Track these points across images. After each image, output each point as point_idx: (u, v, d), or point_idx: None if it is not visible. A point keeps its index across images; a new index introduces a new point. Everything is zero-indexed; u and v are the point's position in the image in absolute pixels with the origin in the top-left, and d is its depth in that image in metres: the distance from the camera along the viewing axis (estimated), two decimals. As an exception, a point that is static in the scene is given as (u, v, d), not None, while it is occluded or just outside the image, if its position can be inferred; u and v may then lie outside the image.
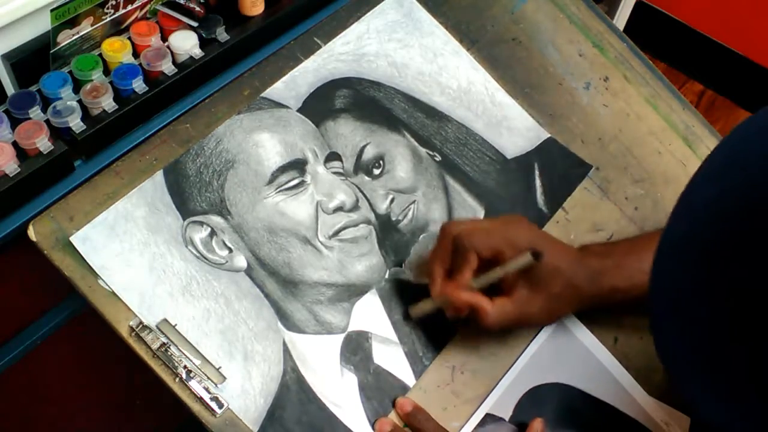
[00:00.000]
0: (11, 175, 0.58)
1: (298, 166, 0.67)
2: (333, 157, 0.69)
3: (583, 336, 0.70)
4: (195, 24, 0.68)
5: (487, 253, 0.61)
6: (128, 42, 0.66)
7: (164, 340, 0.58)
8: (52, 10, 0.58)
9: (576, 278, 0.63)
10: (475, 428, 0.65)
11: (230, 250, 0.63)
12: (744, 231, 0.33)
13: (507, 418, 0.66)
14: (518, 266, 0.60)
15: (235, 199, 0.64)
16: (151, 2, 0.67)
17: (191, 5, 0.68)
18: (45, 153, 0.59)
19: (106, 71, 0.65)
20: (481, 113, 0.77)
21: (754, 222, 0.32)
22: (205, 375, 0.58)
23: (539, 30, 0.83)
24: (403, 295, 0.68)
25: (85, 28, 0.62)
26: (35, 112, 0.60)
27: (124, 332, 0.58)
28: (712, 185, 0.37)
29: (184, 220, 0.62)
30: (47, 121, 0.61)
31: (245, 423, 0.58)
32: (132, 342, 0.57)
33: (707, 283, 0.34)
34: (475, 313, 0.61)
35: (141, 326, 0.57)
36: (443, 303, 0.62)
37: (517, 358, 0.67)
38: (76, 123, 0.61)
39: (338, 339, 0.64)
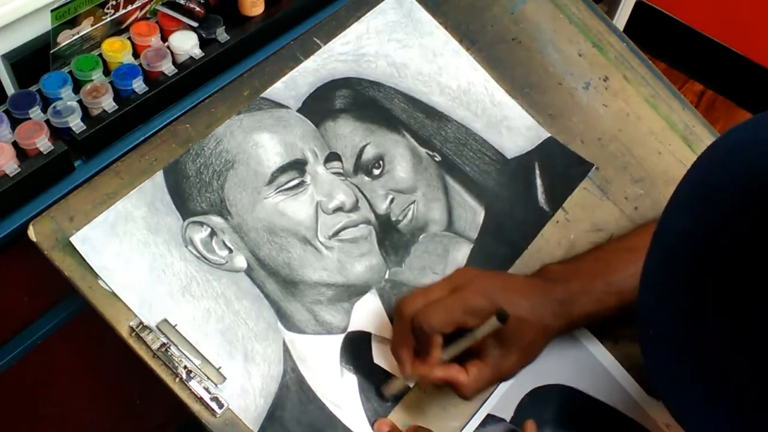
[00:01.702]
0: (11, 175, 0.58)
1: (298, 166, 0.67)
2: (333, 157, 0.69)
3: (584, 337, 0.70)
4: (195, 24, 0.68)
5: (448, 329, 0.59)
6: (128, 42, 0.66)
7: (164, 340, 0.58)
8: (52, 10, 0.58)
9: (543, 319, 0.61)
10: (476, 429, 0.65)
11: (230, 251, 0.63)
12: (719, 260, 0.34)
13: (508, 419, 0.66)
14: (485, 333, 0.58)
15: (235, 200, 0.64)
16: (151, 2, 0.67)
17: (191, 5, 0.68)
18: (45, 153, 0.59)
19: (106, 71, 0.65)
20: (480, 113, 0.77)
21: (729, 249, 0.33)
22: (205, 375, 0.58)
23: (539, 30, 0.83)
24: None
25: (85, 28, 0.62)
26: (35, 112, 0.60)
27: (124, 332, 0.58)
28: (685, 216, 0.37)
29: (184, 220, 0.62)
30: (47, 121, 0.61)
31: (245, 423, 0.58)
32: (132, 342, 0.57)
33: (690, 311, 0.35)
34: (450, 387, 0.60)
35: (141, 326, 0.57)
36: (416, 380, 0.61)
37: (517, 359, 0.67)
38: (76, 123, 0.61)
39: (338, 339, 0.64)
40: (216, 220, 0.63)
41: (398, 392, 0.63)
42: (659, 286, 0.37)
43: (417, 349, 0.61)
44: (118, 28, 0.66)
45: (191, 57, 0.67)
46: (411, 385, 0.63)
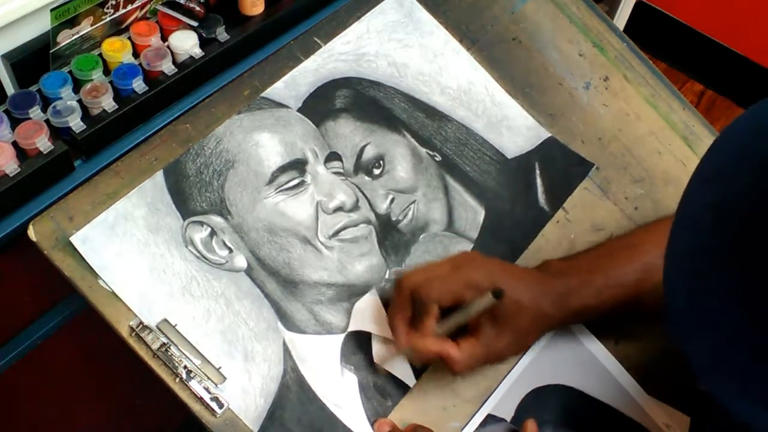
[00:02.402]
0: (11, 175, 0.58)
1: (298, 166, 0.67)
2: (333, 157, 0.69)
3: (585, 338, 0.70)
4: (195, 24, 0.68)
5: (447, 301, 0.60)
6: (128, 42, 0.66)
7: (164, 340, 0.57)
8: (52, 10, 0.58)
9: (541, 306, 0.62)
10: (476, 429, 0.65)
11: (230, 250, 0.63)
12: (750, 231, 0.33)
13: (508, 419, 0.66)
14: (480, 308, 0.59)
15: (235, 199, 0.64)
16: (151, 2, 0.67)
17: (191, 5, 0.68)
18: (45, 153, 0.59)
19: (106, 71, 0.65)
20: (481, 113, 0.77)
21: (758, 223, 0.33)
22: (205, 375, 0.58)
23: (539, 30, 0.83)
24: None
25: (85, 28, 0.62)
26: (35, 112, 0.60)
27: (124, 332, 0.57)
28: (711, 189, 0.36)
29: (184, 220, 0.62)
30: (47, 121, 0.61)
31: (245, 423, 0.58)
32: (132, 342, 0.57)
33: (724, 288, 0.34)
34: (443, 361, 0.61)
35: (141, 326, 0.57)
36: (409, 353, 0.62)
37: (519, 360, 0.67)
38: (76, 123, 0.61)
39: (338, 339, 0.64)
40: (216, 219, 0.63)
41: (392, 364, 0.63)
42: (688, 261, 0.36)
43: (413, 321, 0.61)
44: (118, 28, 0.66)
45: (191, 57, 0.67)
46: (404, 360, 0.63)
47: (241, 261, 0.63)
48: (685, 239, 0.37)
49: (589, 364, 0.69)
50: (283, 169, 0.67)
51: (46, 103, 0.62)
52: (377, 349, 0.65)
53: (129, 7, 0.65)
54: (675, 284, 0.37)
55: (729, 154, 0.37)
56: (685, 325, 0.36)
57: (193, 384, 0.57)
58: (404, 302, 0.61)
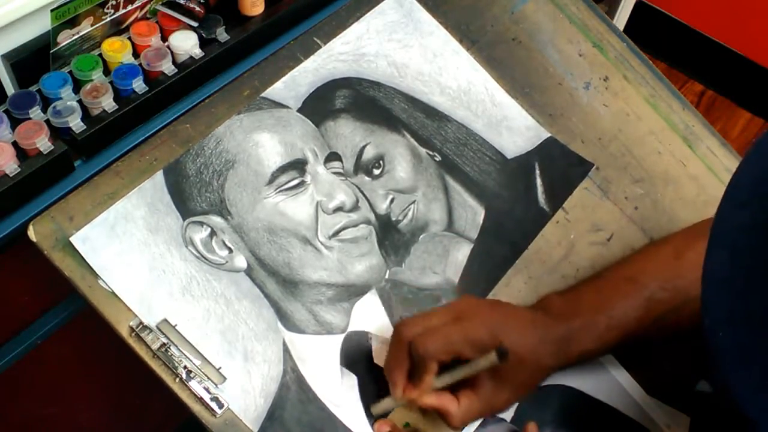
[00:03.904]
0: (11, 175, 0.58)
1: (298, 166, 0.67)
2: (333, 157, 0.69)
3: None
4: (195, 24, 0.68)
5: (446, 357, 0.58)
6: (128, 42, 0.66)
7: (164, 340, 0.57)
8: (52, 10, 0.58)
9: (542, 359, 0.61)
10: (476, 429, 0.65)
11: (230, 250, 0.63)
12: None
13: (508, 419, 0.66)
14: (483, 367, 0.57)
15: (235, 199, 0.64)
16: (151, 2, 0.67)
17: (191, 5, 0.68)
18: (45, 153, 0.59)
19: (106, 71, 0.65)
20: (481, 113, 0.77)
21: None
22: (205, 375, 0.58)
23: (539, 30, 0.83)
24: (404, 300, 0.67)
25: (85, 28, 0.62)
26: (35, 112, 0.60)
27: (124, 332, 0.57)
28: (746, 210, 0.35)
29: (184, 220, 0.62)
30: (47, 121, 0.61)
31: (245, 423, 0.58)
32: (132, 342, 0.57)
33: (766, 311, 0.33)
34: (440, 415, 0.60)
35: (141, 326, 0.57)
36: (406, 404, 0.61)
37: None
38: (76, 123, 0.61)
39: (338, 339, 0.64)
40: (216, 219, 0.63)
41: (386, 412, 0.63)
42: (729, 284, 0.35)
43: (411, 372, 0.60)
44: (118, 28, 0.66)
45: (191, 57, 0.67)
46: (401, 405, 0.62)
47: (241, 261, 0.63)
48: (723, 264, 0.36)
49: (589, 364, 0.69)
50: (283, 169, 0.67)
51: (46, 103, 0.62)
52: (377, 349, 0.65)
53: (129, 8, 0.65)
54: (715, 311, 0.36)
55: (763, 172, 0.36)
56: (727, 355, 0.35)
57: (193, 384, 0.57)
58: (402, 353, 0.59)
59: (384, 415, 0.62)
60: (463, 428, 0.61)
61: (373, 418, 0.62)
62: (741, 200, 0.36)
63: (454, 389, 0.60)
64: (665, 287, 0.64)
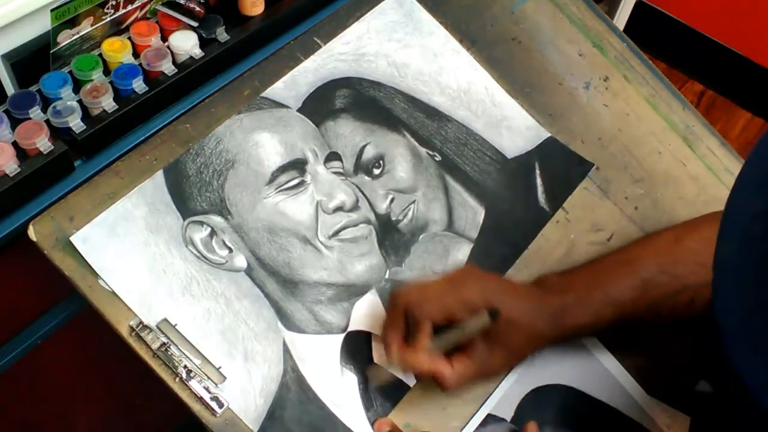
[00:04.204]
0: (11, 175, 0.58)
1: (298, 166, 0.67)
2: (333, 157, 0.69)
3: (585, 338, 0.70)
4: (195, 24, 0.68)
5: (440, 319, 0.60)
6: (128, 42, 0.66)
7: (164, 340, 0.57)
8: (52, 10, 0.58)
9: (536, 325, 0.61)
10: (476, 429, 0.65)
11: (230, 250, 0.63)
12: None
13: (508, 419, 0.66)
14: (475, 328, 0.58)
15: (235, 199, 0.64)
16: (151, 2, 0.67)
17: (191, 5, 0.68)
18: (45, 153, 0.59)
19: (106, 71, 0.65)
20: (481, 113, 0.77)
21: None
22: (205, 375, 0.58)
23: (539, 30, 0.83)
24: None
25: (85, 28, 0.62)
26: (35, 112, 0.60)
27: (124, 332, 0.57)
28: (760, 197, 0.35)
29: (184, 220, 0.62)
30: (47, 121, 0.61)
31: (245, 423, 0.58)
32: (132, 342, 0.57)
33: None
34: (434, 379, 0.60)
35: (141, 326, 0.57)
36: (401, 368, 0.61)
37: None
38: (76, 123, 0.61)
39: (338, 339, 0.64)
40: (216, 219, 0.63)
41: (383, 381, 0.63)
42: (741, 271, 0.35)
43: (406, 337, 0.61)
44: (118, 28, 0.66)
45: (191, 57, 0.67)
46: (397, 375, 0.63)
47: (241, 261, 0.63)
48: (734, 251, 0.36)
49: (588, 364, 0.69)
50: (283, 169, 0.67)
51: (46, 103, 0.62)
52: (377, 349, 0.65)
53: (129, 8, 0.65)
54: (726, 299, 0.36)
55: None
56: (739, 342, 0.35)
57: (193, 384, 0.57)
58: (398, 318, 0.61)
59: (380, 382, 0.63)
60: (457, 390, 0.61)
61: (371, 421, 0.62)
62: (754, 187, 0.36)
63: (448, 354, 0.60)
64: (663, 271, 0.64)
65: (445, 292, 0.61)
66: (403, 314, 0.61)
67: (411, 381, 0.64)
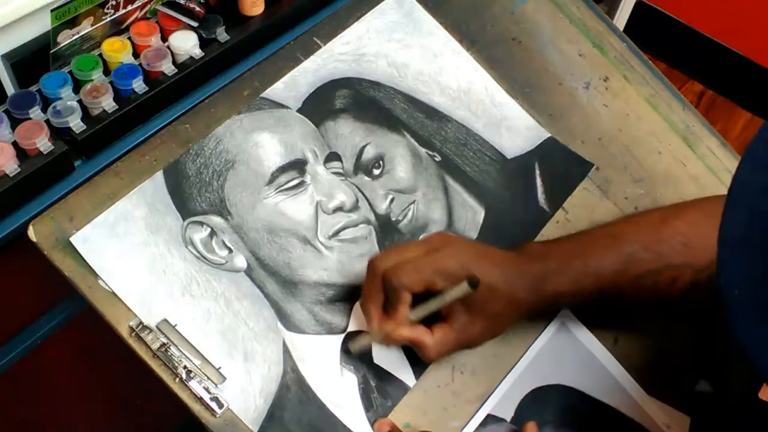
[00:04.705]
0: (11, 175, 0.58)
1: (297, 166, 0.67)
2: (333, 157, 0.69)
3: (584, 337, 0.70)
4: (195, 24, 0.68)
5: (419, 288, 0.59)
6: (128, 42, 0.66)
7: (164, 340, 0.58)
8: (52, 10, 0.58)
9: (515, 291, 0.61)
10: (476, 429, 0.65)
11: (230, 251, 0.63)
12: None
13: (508, 419, 0.66)
14: (455, 297, 0.58)
15: (235, 200, 0.64)
16: (151, 2, 0.67)
17: (191, 5, 0.68)
18: (45, 153, 0.59)
19: (106, 71, 0.65)
20: (481, 113, 0.77)
21: None
22: (205, 375, 0.58)
23: (539, 30, 0.83)
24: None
25: (85, 28, 0.62)
26: (35, 112, 0.60)
27: (124, 332, 0.58)
28: (765, 172, 0.36)
29: (184, 220, 0.62)
30: (47, 121, 0.61)
31: (245, 423, 0.58)
32: (132, 342, 0.57)
33: None
34: (415, 347, 0.61)
35: (141, 326, 0.57)
36: (382, 339, 0.61)
37: (519, 360, 0.67)
38: (76, 123, 0.61)
39: (338, 339, 0.64)
40: (216, 220, 0.63)
41: (364, 349, 0.63)
42: (747, 243, 0.35)
43: (386, 306, 0.61)
44: (118, 28, 0.66)
45: (191, 57, 0.68)
46: (378, 342, 0.63)
47: (241, 261, 0.63)
48: (743, 223, 0.36)
49: (589, 364, 0.69)
50: (282, 170, 0.67)
51: (46, 103, 0.62)
52: (377, 349, 0.65)
53: (129, 8, 0.65)
54: (733, 270, 0.37)
55: None
56: (746, 314, 0.36)
57: (193, 384, 0.57)
58: (376, 287, 0.60)
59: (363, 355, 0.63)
60: (438, 359, 0.61)
61: (371, 421, 0.62)
62: (763, 163, 0.37)
63: (428, 323, 0.60)
64: (647, 248, 0.64)
65: (422, 260, 0.60)
66: (381, 284, 0.60)
67: (411, 381, 0.64)
